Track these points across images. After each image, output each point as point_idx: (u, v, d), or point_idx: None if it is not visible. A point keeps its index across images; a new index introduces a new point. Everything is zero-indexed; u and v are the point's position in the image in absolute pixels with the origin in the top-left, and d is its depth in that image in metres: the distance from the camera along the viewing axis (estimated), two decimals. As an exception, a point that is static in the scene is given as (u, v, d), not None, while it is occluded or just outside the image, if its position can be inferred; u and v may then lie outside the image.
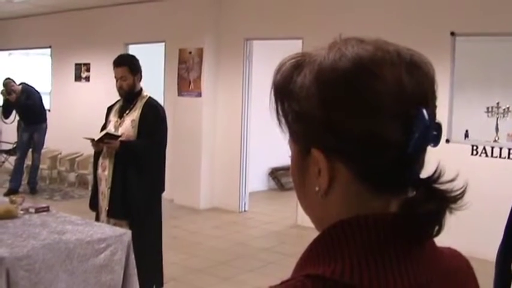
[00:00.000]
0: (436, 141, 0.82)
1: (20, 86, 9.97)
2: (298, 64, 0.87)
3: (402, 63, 0.82)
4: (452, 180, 0.83)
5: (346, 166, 0.83)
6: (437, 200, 0.81)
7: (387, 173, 0.81)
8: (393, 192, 0.84)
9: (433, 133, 0.81)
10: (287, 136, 0.89)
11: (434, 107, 0.85)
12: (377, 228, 0.81)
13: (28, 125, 10.11)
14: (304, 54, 0.88)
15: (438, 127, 0.82)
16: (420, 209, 0.80)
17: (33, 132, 10.12)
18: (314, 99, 0.82)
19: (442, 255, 0.90)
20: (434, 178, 0.82)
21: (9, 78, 9.95)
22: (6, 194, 9.13)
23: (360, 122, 0.80)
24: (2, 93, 9.85)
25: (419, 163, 0.84)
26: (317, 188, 0.85)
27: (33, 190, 10.29)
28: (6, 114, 10.14)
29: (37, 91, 10.23)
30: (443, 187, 0.82)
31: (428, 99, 0.83)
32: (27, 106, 9.86)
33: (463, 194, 0.83)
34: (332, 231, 0.83)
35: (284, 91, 0.87)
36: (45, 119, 10.19)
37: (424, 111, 0.79)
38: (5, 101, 9.94)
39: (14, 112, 10.14)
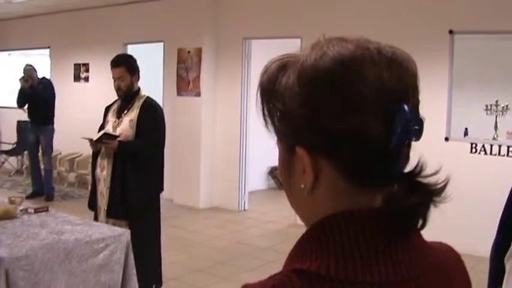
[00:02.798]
0: (417, 135, 0.83)
1: (40, 78, 9.75)
2: (283, 65, 0.88)
3: (382, 60, 0.83)
4: (434, 174, 0.85)
5: (330, 163, 0.84)
6: (420, 193, 0.83)
7: (371, 168, 0.83)
8: (378, 187, 0.85)
9: (414, 127, 0.82)
10: (273, 136, 0.91)
11: (417, 102, 0.86)
12: (362, 223, 0.82)
13: (34, 124, 9.79)
14: (289, 55, 0.90)
15: (420, 121, 0.83)
16: (403, 202, 0.82)
17: (39, 135, 9.76)
18: (297, 98, 0.84)
19: (432, 249, 0.91)
20: (417, 172, 0.84)
21: (31, 65, 9.67)
22: (29, 197, 9.10)
23: (341, 119, 0.81)
24: (20, 80, 9.54)
25: (403, 158, 0.85)
26: (303, 186, 0.87)
27: (48, 196, 9.72)
28: (22, 103, 9.74)
29: (53, 88, 9.89)
30: (425, 180, 0.84)
31: (409, 94, 0.84)
32: (41, 97, 9.50)
33: (445, 186, 0.84)
34: (318, 227, 0.84)
35: (269, 92, 0.89)
36: (52, 121, 9.81)
37: (405, 107, 0.81)
38: (21, 88, 9.57)
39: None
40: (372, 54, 0.83)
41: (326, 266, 0.80)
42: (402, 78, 0.84)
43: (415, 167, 0.84)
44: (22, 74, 9.52)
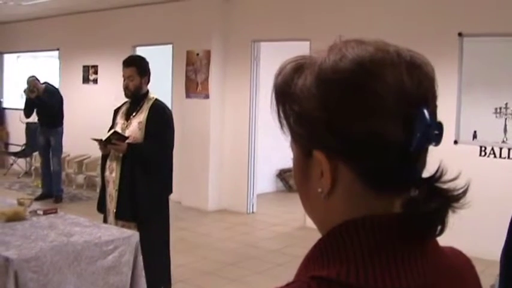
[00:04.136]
0: (437, 140, 0.82)
1: (44, 85, 9.68)
2: (298, 66, 0.87)
3: (402, 64, 0.82)
4: (454, 179, 0.84)
5: (348, 167, 0.83)
6: (440, 199, 0.81)
7: (389, 173, 0.81)
8: (396, 192, 0.84)
9: (434, 132, 0.81)
10: (289, 138, 0.89)
11: (435, 106, 0.85)
12: (381, 229, 0.81)
13: (44, 127, 9.82)
14: (304, 57, 0.88)
15: (439, 126, 0.82)
16: (423, 208, 0.80)
17: (49, 136, 9.78)
18: (315, 101, 0.82)
19: (445, 255, 0.90)
20: (437, 177, 0.83)
21: (33, 76, 9.63)
22: (38, 199, 9.15)
23: (361, 123, 0.80)
24: (24, 91, 9.57)
25: (421, 163, 0.84)
26: (320, 190, 0.85)
27: (57, 198, 9.80)
28: (28, 113, 9.79)
29: (59, 93, 9.95)
30: (445, 186, 0.83)
31: (429, 99, 0.83)
32: (48, 105, 9.51)
33: (465, 192, 0.83)
34: (337, 232, 0.83)
35: (285, 93, 0.87)
36: (61, 123, 9.86)
37: (425, 111, 0.80)
38: (27, 99, 9.58)
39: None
40: (392, 57, 0.82)
41: (346, 273, 0.78)
42: (422, 82, 0.83)
43: (435, 172, 0.83)
44: (26, 86, 9.52)
